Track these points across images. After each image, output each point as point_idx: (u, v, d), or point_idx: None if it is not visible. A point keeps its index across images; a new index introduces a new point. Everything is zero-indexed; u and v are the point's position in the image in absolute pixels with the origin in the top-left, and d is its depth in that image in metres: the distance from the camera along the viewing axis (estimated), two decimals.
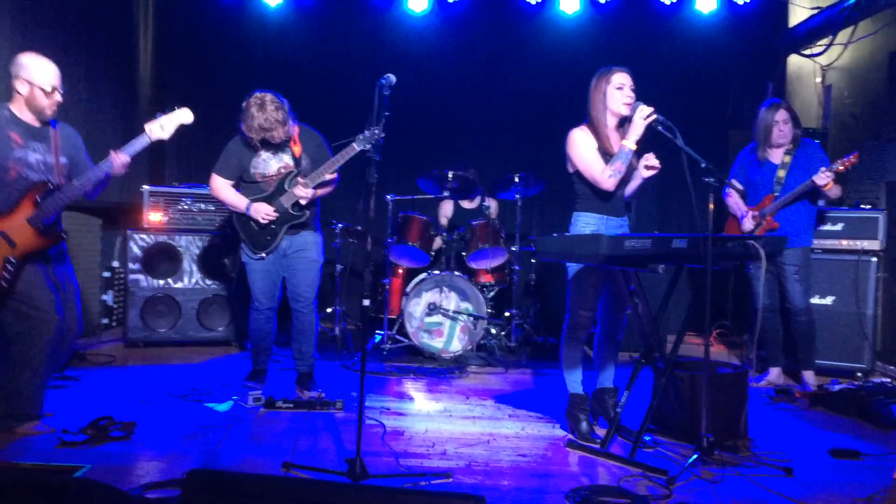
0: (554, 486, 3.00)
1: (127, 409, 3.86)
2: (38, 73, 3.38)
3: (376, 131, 3.29)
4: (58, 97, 3.44)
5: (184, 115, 3.63)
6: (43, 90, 3.38)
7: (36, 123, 3.45)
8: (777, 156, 4.68)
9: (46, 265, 3.48)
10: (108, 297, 5.94)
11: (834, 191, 4.51)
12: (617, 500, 2.81)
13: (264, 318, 4.30)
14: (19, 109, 3.41)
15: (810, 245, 4.68)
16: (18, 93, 3.38)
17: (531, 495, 2.89)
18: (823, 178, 4.37)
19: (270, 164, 4.13)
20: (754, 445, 3.50)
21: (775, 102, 4.70)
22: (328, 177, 4.04)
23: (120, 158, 3.47)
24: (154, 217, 5.63)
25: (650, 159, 3.50)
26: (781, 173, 4.63)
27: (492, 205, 6.12)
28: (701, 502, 2.85)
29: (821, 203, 4.86)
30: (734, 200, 4.79)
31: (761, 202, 4.67)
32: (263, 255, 4.14)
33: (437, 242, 5.89)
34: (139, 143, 3.52)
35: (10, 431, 3.39)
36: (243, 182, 4.18)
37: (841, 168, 4.37)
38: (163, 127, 3.57)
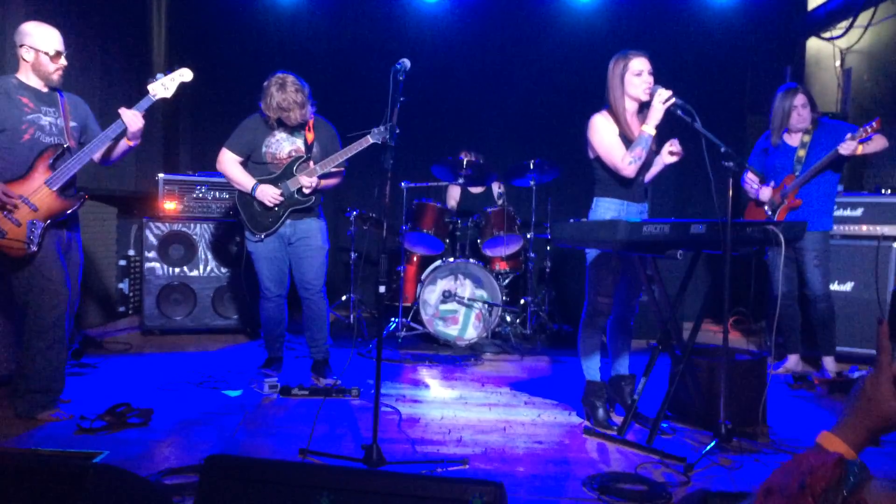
0: (571, 472, 2.99)
1: (144, 396, 3.89)
2: (42, 39, 3.42)
3: (391, 125, 3.26)
4: (63, 61, 3.49)
5: (184, 74, 3.73)
6: (48, 54, 3.42)
7: (44, 89, 3.50)
8: (795, 139, 4.62)
9: (60, 233, 3.51)
10: (125, 286, 5.97)
11: (873, 145, 4.33)
12: (634, 487, 2.80)
13: (274, 305, 4.30)
14: (26, 76, 3.46)
15: (830, 229, 4.61)
16: (25, 60, 3.43)
17: (548, 482, 2.88)
18: (848, 146, 4.31)
19: (283, 145, 4.13)
20: (773, 433, 3.48)
21: (792, 87, 4.63)
22: (335, 169, 4.05)
23: (130, 112, 3.52)
24: (169, 205, 5.65)
25: (674, 145, 3.46)
26: (801, 153, 4.57)
27: (502, 191, 6.09)
28: (719, 489, 2.82)
29: (840, 188, 4.80)
30: (751, 186, 4.74)
31: (781, 183, 4.62)
32: (262, 236, 4.14)
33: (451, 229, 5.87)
34: (144, 103, 3.61)
35: (31, 418, 3.42)
36: (252, 162, 4.18)
37: (864, 134, 4.30)
38: (165, 86, 3.66)
